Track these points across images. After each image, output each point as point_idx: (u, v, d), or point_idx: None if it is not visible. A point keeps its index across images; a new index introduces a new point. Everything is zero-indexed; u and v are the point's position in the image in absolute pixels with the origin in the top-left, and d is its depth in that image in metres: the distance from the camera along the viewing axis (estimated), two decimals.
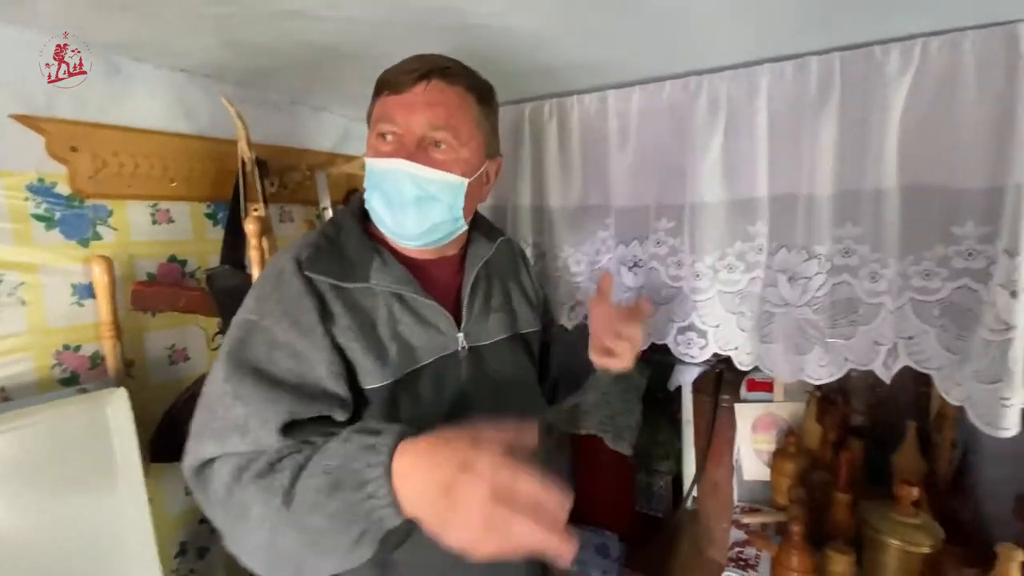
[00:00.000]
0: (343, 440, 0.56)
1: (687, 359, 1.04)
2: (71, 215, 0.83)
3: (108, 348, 0.85)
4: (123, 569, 0.84)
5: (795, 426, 1.51)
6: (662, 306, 1.06)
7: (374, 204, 0.72)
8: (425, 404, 0.71)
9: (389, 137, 0.71)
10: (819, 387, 1.49)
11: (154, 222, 0.94)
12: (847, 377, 0.95)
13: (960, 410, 1.28)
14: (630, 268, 1.12)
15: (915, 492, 0.91)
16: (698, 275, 1.00)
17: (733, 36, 0.82)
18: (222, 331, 0.96)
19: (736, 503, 1.54)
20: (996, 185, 0.76)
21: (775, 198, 0.94)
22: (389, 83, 0.71)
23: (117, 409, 0.82)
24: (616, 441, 2.28)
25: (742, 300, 0.99)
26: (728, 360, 2.10)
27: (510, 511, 0.46)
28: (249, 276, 0.95)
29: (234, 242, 0.96)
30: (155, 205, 0.94)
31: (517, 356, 0.86)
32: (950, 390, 0.84)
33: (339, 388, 0.65)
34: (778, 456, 1.41)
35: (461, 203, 0.73)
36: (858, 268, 0.90)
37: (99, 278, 0.83)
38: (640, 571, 2.16)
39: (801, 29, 0.79)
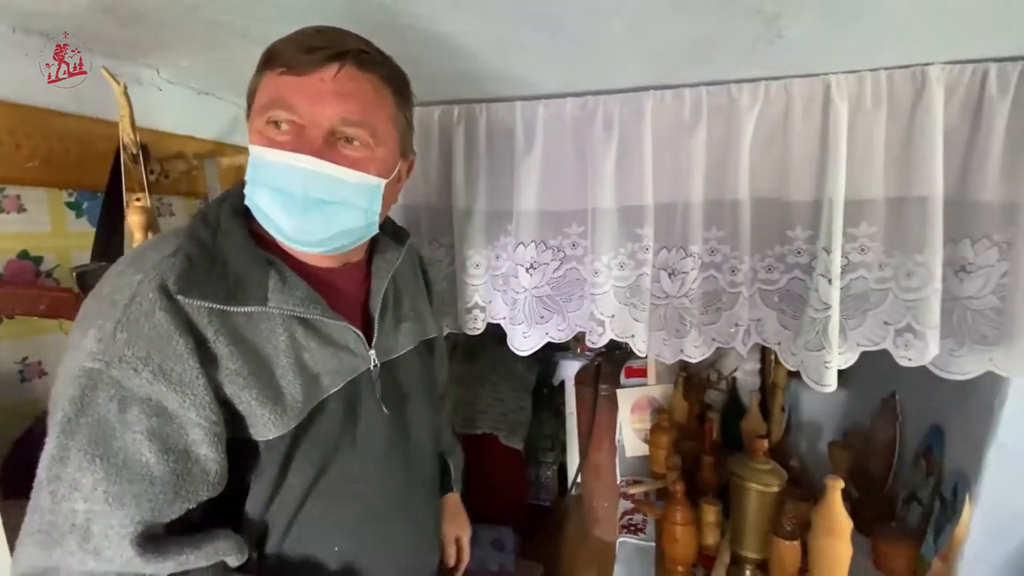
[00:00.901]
0: None
1: (591, 344, 1.14)
2: None
3: None
4: None
5: (666, 404, 1.73)
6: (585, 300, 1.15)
7: (262, 204, 0.59)
8: (329, 439, 0.64)
9: (284, 126, 0.59)
10: (685, 369, 1.74)
11: (0, 210, 0.79)
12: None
13: (788, 378, 1.61)
14: (527, 269, 1.20)
15: (765, 444, 1.12)
16: (596, 272, 1.12)
17: (626, 65, 0.95)
18: None
19: (620, 479, 1.72)
20: (817, 198, 0.99)
21: (659, 206, 1.09)
22: (284, 59, 0.58)
23: None
24: (509, 438, 2.39)
25: (632, 293, 1.13)
26: (606, 353, 2.32)
27: None
28: None
29: (109, 236, 0.84)
30: (2, 190, 0.79)
31: (424, 363, 0.85)
32: (788, 359, 1.06)
33: (214, 456, 0.54)
34: (654, 431, 1.61)
35: (378, 207, 0.65)
36: (721, 264, 1.09)
37: None
38: (534, 559, 2.28)
39: (678, 66, 0.95)
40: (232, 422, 0.57)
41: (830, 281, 0.94)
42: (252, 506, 0.61)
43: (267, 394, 0.58)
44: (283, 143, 0.58)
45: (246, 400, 0.57)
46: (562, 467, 2.88)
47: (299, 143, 0.58)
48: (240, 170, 1.20)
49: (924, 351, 0.93)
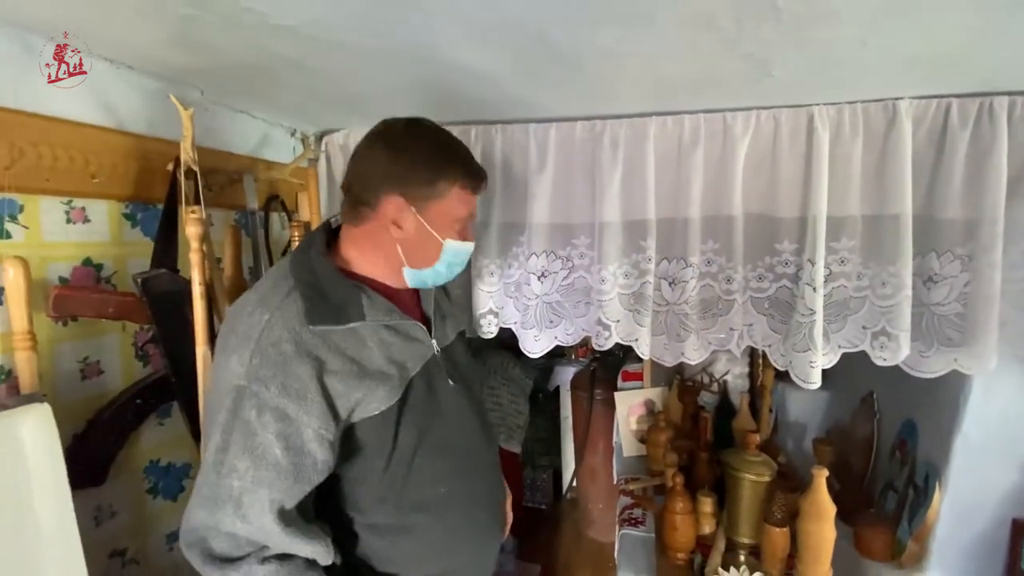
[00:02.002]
0: None
1: (598, 347, 1.23)
2: None
3: (22, 361, 0.75)
4: None
5: (661, 406, 1.83)
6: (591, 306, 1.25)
7: (441, 271, 0.87)
8: (422, 407, 0.83)
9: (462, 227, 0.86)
10: (680, 373, 1.85)
11: (68, 220, 0.86)
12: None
13: (775, 380, 1.72)
14: (539, 277, 1.30)
15: (757, 438, 1.22)
16: (603, 280, 1.22)
17: (633, 95, 1.06)
18: (154, 340, 0.90)
19: (618, 477, 1.80)
20: (802, 215, 1.10)
21: (660, 220, 1.19)
22: (473, 187, 0.85)
23: (39, 428, 0.73)
24: (508, 441, 2.46)
25: (636, 300, 1.23)
26: (600, 359, 2.41)
27: None
28: (186, 281, 0.91)
29: (166, 245, 0.91)
30: (70, 202, 0.86)
31: (465, 348, 1.05)
32: (777, 360, 1.16)
33: (321, 452, 0.72)
34: (651, 431, 1.71)
35: None
36: (717, 274, 1.19)
37: (13, 281, 0.74)
38: (531, 560, 2.35)
39: (679, 97, 1.06)
40: (357, 407, 0.75)
41: (815, 289, 1.05)
42: (374, 471, 0.79)
43: (377, 379, 0.77)
44: (468, 237, 0.89)
45: (366, 387, 0.75)
46: (557, 471, 2.96)
47: (471, 235, 0.90)
48: (271, 184, 1.29)
49: (897, 352, 1.04)
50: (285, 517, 0.70)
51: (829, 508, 1.06)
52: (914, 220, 1.03)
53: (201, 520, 0.69)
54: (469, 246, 0.89)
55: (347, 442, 0.77)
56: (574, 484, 2.88)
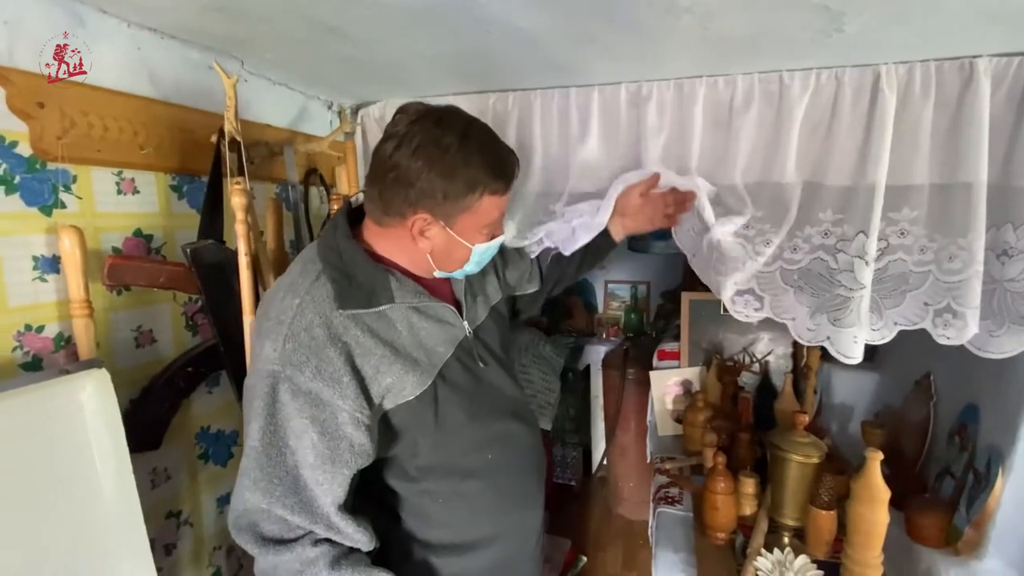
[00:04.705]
0: None
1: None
2: (31, 179, 0.74)
3: (80, 328, 0.77)
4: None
5: (698, 385, 1.79)
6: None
7: (470, 269, 0.86)
8: (461, 387, 0.83)
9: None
10: (719, 353, 1.80)
11: (119, 192, 0.87)
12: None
13: (820, 362, 1.66)
14: None
15: (805, 418, 1.18)
16: None
17: (683, 56, 1.00)
18: (203, 310, 0.91)
19: (653, 456, 1.78)
20: (853, 184, 1.02)
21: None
22: (502, 189, 0.80)
23: (97, 393, 0.75)
24: (539, 419, 2.47)
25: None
26: (633, 339, 2.35)
27: None
28: (233, 252, 0.91)
29: (212, 216, 0.91)
30: (120, 173, 0.87)
31: (497, 324, 1.01)
32: (801, 334, 1.07)
33: (358, 435, 0.72)
34: (689, 411, 1.67)
35: None
36: (755, 237, 1.14)
37: (69, 251, 0.75)
38: (560, 536, 2.37)
39: (730, 57, 0.99)
40: (389, 392, 0.75)
41: (867, 262, 0.99)
42: (422, 447, 0.81)
43: (407, 364, 0.76)
44: (498, 233, 0.86)
45: (396, 372, 0.75)
46: (587, 448, 2.97)
47: (500, 230, 0.87)
48: (311, 157, 1.28)
49: (963, 330, 0.98)
50: (332, 500, 0.71)
51: (883, 492, 1.02)
52: (988, 189, 0.96)
53: (253, 503, 0.69)
54: (498, 241, 0.87)
55: (387, 428, 0.77)
56: (604, 462, 2.89)
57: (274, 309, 0.73)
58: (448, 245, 0.80)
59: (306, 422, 0.69)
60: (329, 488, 0.70)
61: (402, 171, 0.74)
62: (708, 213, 1.10)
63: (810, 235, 1.09)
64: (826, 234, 1.07)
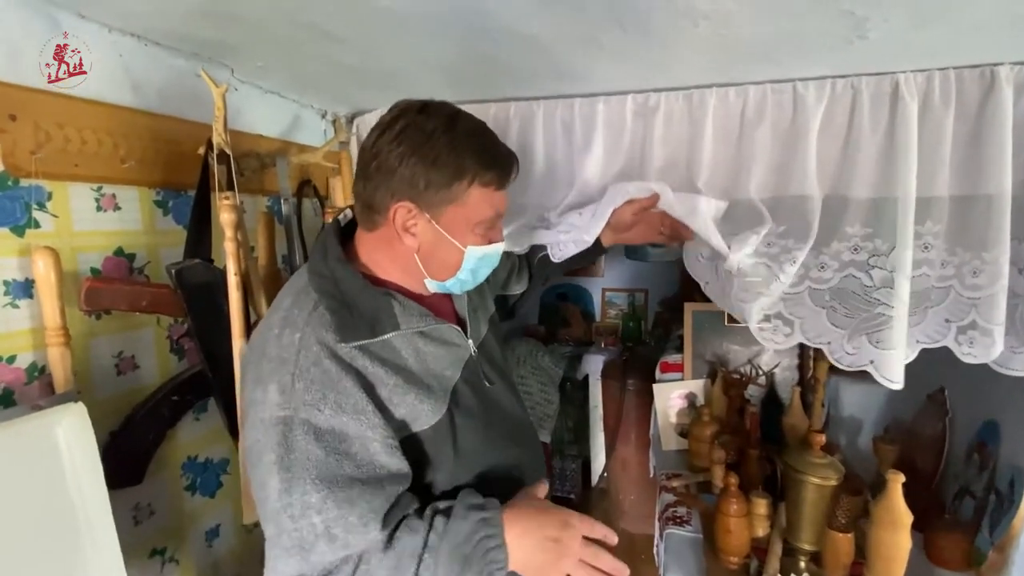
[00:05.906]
0: (460, 518, 0.65)
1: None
2: (2, 197, 0.69)
3: (55, 357, 0.71)
4: None
5: (703, 399, 1.75)
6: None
7: (465, 279, 0.78)
8: (474, 410, 0.79)
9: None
10: (724, 365, 1.76)
11: (99, 208, 0.81)
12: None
13: (827, 375, 1.62)
14: None
15: (823, 438, 1.14)
16: None
17: (693, 63, 0.96)
18: (189, 334, 0.85)
19: (657, 472, 1.73)
20: (878, 195, 0.99)
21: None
22: (498, 181, 0.74)
23: (74, 428, 0.69)
24: (538, 431, 2.41)
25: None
26: (632, 348, 2.31)
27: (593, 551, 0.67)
28: (221, 272, 0.86)
29: (200, 233, 0.86)
30: (100, 189, 0.81)
31: (495, 334, 0.98)
32: (842, 358, 1.02)
33: (393, 461, 0.66)
34: (694, 425, 1.63)
35: None
36: (779, 255, 1.10)
37: (43, 274, 0.69)
38: None
39: (743, 64, 0.96)
40: (404, 425, 0.69)
41: (906, 278, 0.95)
42: (442, 472, 0.75)
43: (421, 392, 0.71)
44: (496, 238, 0.78)
45: (410, 402, 0.69)
46: (586, 461, 2.91)
47: (498, 235, 0.79)
48: (304, 168, 1.23)
49: (990, 348, 0.94)
50: (386, 522, 0.64)
51: (906, 516, 0.98)
52: (1013, 200, 0.92)
53: (296, 569, 0.62)
54: (497, 248, 0.78)
55: (406, 454, 0.71)
56: (604, 475, 2.83)
57: (272, 347, 0.66)
58: (436, 243, 0.73)
59: (337, 459, 0.63)
60: (376, 512, 0.64)
61: (383, 158, 0.69)
62: (717, 241, 1.04)
63: (838, 251, 1.03)
64: (856, 249, 1.03)
